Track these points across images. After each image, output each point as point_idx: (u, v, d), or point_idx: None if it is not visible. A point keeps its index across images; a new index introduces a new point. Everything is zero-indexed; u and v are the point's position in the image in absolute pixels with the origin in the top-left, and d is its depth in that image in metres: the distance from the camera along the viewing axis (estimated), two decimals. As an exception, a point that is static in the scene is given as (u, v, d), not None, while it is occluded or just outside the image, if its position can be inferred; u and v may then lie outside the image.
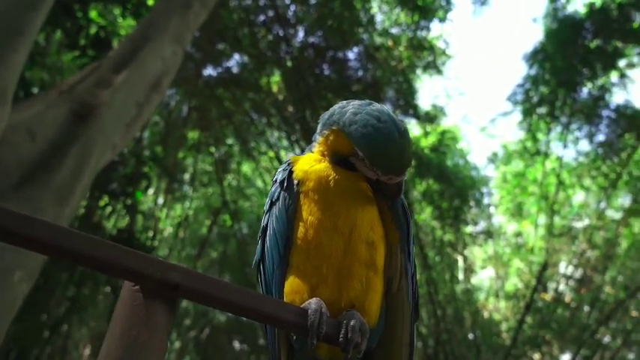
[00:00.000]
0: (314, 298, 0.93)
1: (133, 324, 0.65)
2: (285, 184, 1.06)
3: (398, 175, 1.00)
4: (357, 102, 1.06)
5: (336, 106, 1.08)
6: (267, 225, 1.09)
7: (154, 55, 4.22)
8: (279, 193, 1.07)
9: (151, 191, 10.82)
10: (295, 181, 1.05)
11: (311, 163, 1.07)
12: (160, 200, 11.33)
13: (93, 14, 7.47)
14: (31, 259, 2.80)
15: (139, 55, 4.10)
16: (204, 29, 8.57)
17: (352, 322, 0.91)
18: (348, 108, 1.04)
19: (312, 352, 1.02)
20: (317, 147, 1.11)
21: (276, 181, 1.10)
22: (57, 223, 0.65)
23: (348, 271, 0.99)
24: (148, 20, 4.71)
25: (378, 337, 1.04)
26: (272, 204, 1.09)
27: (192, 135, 11.12)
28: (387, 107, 1.03)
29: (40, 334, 8.11)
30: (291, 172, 1.07)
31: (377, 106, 1.02)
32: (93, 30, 7.16)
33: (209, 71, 10.22)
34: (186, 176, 11.94)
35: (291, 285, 1.00)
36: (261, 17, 9.65)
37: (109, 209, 8.92)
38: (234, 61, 10.25)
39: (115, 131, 3.67)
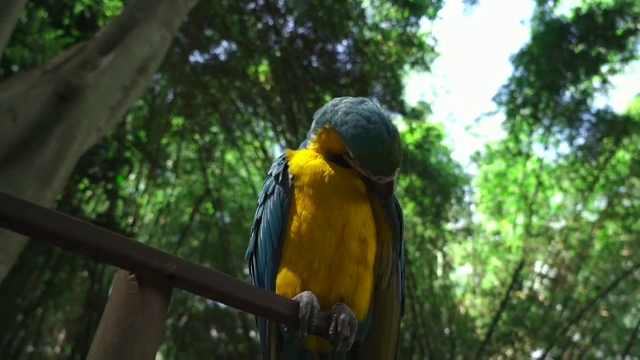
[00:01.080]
0: (305, 292, 0.95)
1: (129, 312, 0.65)
2: (280, 178, 1.07)
3: (387, 175, 1.02)
4: (349, 100, 1.07)
5: (329, 104, 1.10)
6: (261, 218, 1.10)
7: (142, 38, 4.14)
8: (274, 186, 1.08)
9: (132, 177, 10.67)
10: (290, 176, 1.06)
11: (306, 158, 1.09)
12: (142, 186, 11.19)
13: (80, -6, 7.30)
14: (10, 241, 2.75)
15: (126, 38, 4.03)
16: (192, 14, 8.45)
17: (342, 316, 0.93)
18: (340, 106, 1.05)
19: (302, 344, 1.04)
20: (311, 144, 1.12)
21: (271, 174, 1.11)
22: (51, 209, 0.65)
23: (339, 266, 1.01)
24: (136, 2, 4.61)
25: (366, 332, 1.06)
26: (266, 197, 1.10)
27: (177, 121, 11.00)
28: (378, 106, 1.04)
29: (14, 317, 7.98)
30: (286, 167, 1.08)
31: (369, 104, 1.03)
32: (78, 9, 6.99)
33: (196, 57, 10.10)
34: (169, 163, 11.81)
35: (284, 278, 1.01)
36: (251, 5, 9.56)
37: (88, 193, 8.78)
38: (222, 49, 10.14)
39: (99, 114, 3.61)
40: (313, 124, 1.13)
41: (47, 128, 3.09)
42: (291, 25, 9.68)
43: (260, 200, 1.14)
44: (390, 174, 1.01)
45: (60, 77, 3.37)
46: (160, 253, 0.69)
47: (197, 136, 11.12)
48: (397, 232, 1.11)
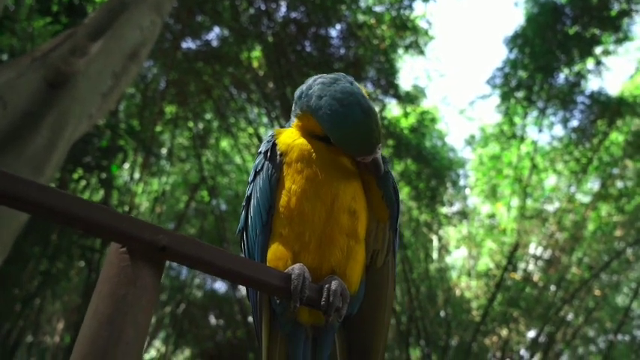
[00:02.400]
0: (297, 264, 0.96)
1: (122, 283, 0.66)
2: (268, 155, 1.08)
3: (367, 155, 1.02)
4: (322, 80, 1.06)
5: (304, 86, 1.10)
6: (251, 194, 1.12)
7: (132, 24, 4.09)
8: (263, 163, 1.09)
9: (126, 165, 10.63)
10: (279, 152, 1.07)
11: (294, 136, 1.10)
12: (137, 175, 11.15)
13: (67, -20, 7.18)
14: (4, 231, 2.74)
15: (116, 24, 3.98)
16: (184, 0, 8.34)
17: (333, 287, 0.94)
18: (314, 90, 1.05)
19: (294, 317, 1.05)
20: (294, 125, 1.13)
21: (260, 152, 1.12)
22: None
23: (329, 238, 1.02)
24: (125, -13, 4.54)
25: (358, 305, 1.08)
26: (256, 174, 1.11)
27: (170, 109, 10.91)
28: (351, 83, 1.04)
29: (12, 307, 8.00)
30: (274, 144, 1.09)
31: (341, 84, 1.03)
32: (66, -4, 6.88)
33: (188, 44, 9.98)
34: (164, 151, 11.75)
35: (275, 252, 1.02)
36: (242, -10, 9.43)
37: (83, 183, 8.74)
38: (214, 35, 10.03)
39: (91, 101, 3.58)
40: (293, 106, 1.14)
41: (38, 116, 3.06)
42: (283, 9, 9.57)
43: (250, 178, 1.15)
44: (370, 153, 1.02)
45: (49, 64, 3.34)
46: (152, 226, 0.69)
47: (191, 124, 11.06)
48: (394, 211, 1.12)
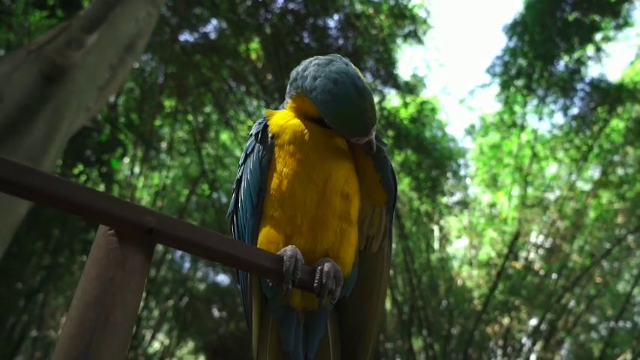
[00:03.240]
0: (289, 246, 0.95)
1: (109, 266, 0.65)
2: (259, 137, 1.07)
3: (363, 136, 1.01)
4: (318, 61, 1.05)
5: (299, 67, 1.09)
6: (241, 177, 1.10)
7: (128, 15, 4.06)
8: (254, 145, 1.08)
9: (127, 160, 10.63)
10: (270, 134, 1.06)
11: (286, 118, 1.08)
12: (137, 169, 11.14)
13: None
14: (3, 222, 2.74)
15: (111, 15, 3.95)
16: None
17: (327, 269, 0.94)
18: (309, 70, 1.04)
19: (286, 301, 1.04)
20: (288, 108, 1.11)
21: (251, 134, 1.11)
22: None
23: (322, 221, 1.01)
24: (120, -21, 4.51)
25: (351, 287, 1.07)
26: (247, 156, 1.10)
27: (169, 103, 10.88)
28: (347, 64, 1.03)
29: (16, 302, 8.04)
30: (266, 126, 1.08)
31: (336, 64, 1.01)
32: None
33: (186, 37, 9.94)
34: (164, 145, 11.74)
35: (266, 235, 1.01)
36: (239, -19, 9.37)
37: (83, 177, 8.74)
38: (212, 27, 9.98)
39: (88, 94, 3.56)
40: (288, 87, 1.12)
41: (34, 109, 3.05)
42: (280, 0, 9.51)
43: (241, 160, 1.14)
44: (365, 134, 1.01)
45: (45, 57, 3.32)
46: (139, 207, 0.69)
47: (190, 117, 11.03)
48: (391, 196, 1.11)
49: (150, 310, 12.26)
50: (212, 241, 0.75)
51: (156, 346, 13.43)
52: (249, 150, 1.10)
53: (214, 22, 9.93)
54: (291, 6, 9.42)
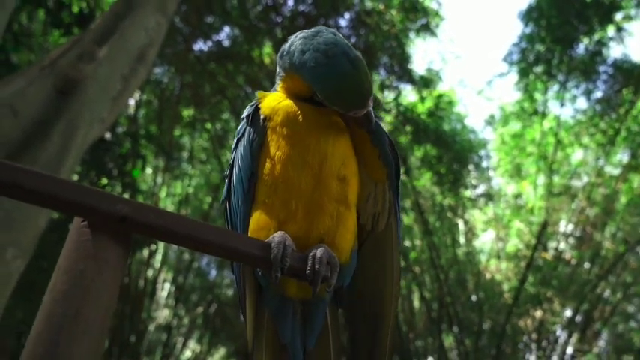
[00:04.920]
0: (278, 232, 0.91)
1: (80, 258, 0.62)
2: (250, 120, 1.03)
3: (360, 108, 0.95)
4: (304, 35, 1.00)
5: (286, 44, 1.04)
6: (233, 162, 1.07)
7: (137, 26, 4.11)
8: (245, 128, 1.04)
9: (150, 171, 10.81)
10: (262, 117, 1.02)
11: (278, 99, 1.03)
12: (160, 179, 11.31)
13: (76, -9, 7.29)
14: (23, 235, 2.79)
15: (121, 27, 4.00)
16: (191, 2, 8.38)
17: (319, 254, 0.88)
18: (296, 46, 0.98)
19: (281, 290, 1.00)
20: (279, 89, 1.07)
21: (243, 117, 1.07)
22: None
23: (317, 205, 0.96)
24: (129, -9, 4.57)
25: (350, 275, 1.02)
26: (238, 140, 1.07)
27: (187, 112, 11.02)
28: (335, 34, 0.98)
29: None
30: (257, 108, 1.04)
31: (324, 36, 0.96)
32: (76, 7, 6.99)
33: (199, 46, 10.05)
34: (185, 154, 11.90)
35: (257, 221, 0.97)
36: (248, -14, 9.43)
37: (108, 189, 8.91)
38: (225, 34, 10.07)
39: (101, 105, 3.61)
40: (277, 68, 1.08)
41: (49, 123, 3.10)
42: (290, 3, 9.54)
43: (233, 145, 1.10)
44: (362, 107, 0.95)
45: (58, 71, 3.38)
46: (111, 196, 0.66)
47: (209, 125, 11.14)
48: (392, 169, 1.06)
49: (180, 318, 12.41)
50: (192, 229, 0.71)
51: (187, 353, 13.57)
52: (240, 134, 1.06)
53: (227, 29, 10.01)
54: (301, 8, 9.43)
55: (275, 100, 1.03)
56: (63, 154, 3.09)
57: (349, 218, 0.99)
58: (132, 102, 9.84)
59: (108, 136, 7.69)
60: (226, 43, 9.97)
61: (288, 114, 0.99)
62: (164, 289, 11.64)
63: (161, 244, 10.29)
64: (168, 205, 12.02)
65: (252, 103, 1.07)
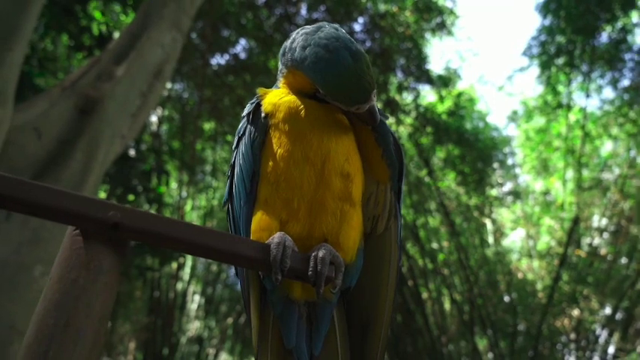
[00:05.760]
0: (278, 233, 0.88)
1: (72, 267, 0.61)
2: (251, 118, 1.02)
3: (363, 103, 0.92)
4: (306, 30, 0.98)
5: (288, 41, 1.02)
6: (234, 162, 1.05)
7: (153, 43, 4.19)
8: (246, 126, 1.02)
9: (174, 185, 10.99)
10: (263, 114, 0.99)
11: (280, 95, 1.01)
12: (184, 193, 11.47)
13: (96, 15, 7.53)
14: (50, 253, 2.85)
15: (138, 45, 4.09)
16: (206, 17, 8.53)
17: (321, 254, 0.85)
18: (297, 42, 0.97)
19: (285, 293, 0.97)
20: (281, 86, 1.05)
21: (244, 115, 1.05)
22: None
23: (320, 204, 0.93)
24: (144, 10, 4.68)
25: (356, 276, 0.98)
26: (239, 139, 1.04)
27: (209, 126, 11.17)
28: (337, 29, 0.95)
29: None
30: (258, 105, 1.02)
31: (325, 30, 0.94)
32: (96, 29, 7.21)
33: (217, 60, 10.21)
34: (208, 167, 12.05)
35: (259, 222, 0.94)
36: (262, -1, 9.55)
37: (137, 204, 9.08)
38: (241, 47, 10.20)
39: (121, 122, 3.69)
40: (279, 65, 1.07)
41: (71, 142, 3.18)
42: (304, 12, 9.60)
43: (234, 144, 1.08)
44: (365, 101, 0.92)
45: (78, 91, 3.47)
46: (102, 202, 0.65)
47: (229, 138, 11.27)
48: (395, 171, 1.02)
49: (211, 330, 12.51)
50: (187, 233, 0.70)
51: (220, 365, 13.64)
52: (241, 132, 1.04)
53: (242, 42, 10.14)
54: (314, 16, 9.47)
55: (277, 97, 1.01)
56: (86, 171, 3.16)
57: (354, 216, 0.96)
58: (154, 118, 10.06)
59: (132, 152, 7.86)
60: (243, 56, 10.10)
61: (290, 110, 0.97)
62: (194, 302, 11.75)
63: (189, 257, 10.42)
64: (194, 217, 12.17)
65: (252, 101, 1.05)
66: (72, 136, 3.21)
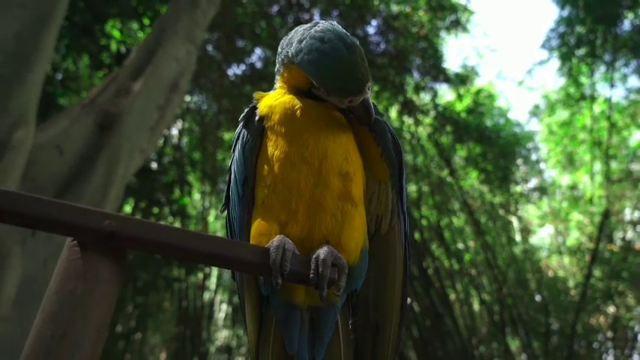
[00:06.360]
0: (277, 236, 0.86)
1: (69, 278, 0.61)
2: (245, 122, 1.01)
3: (356, 94, 0.91)
4: (302, 27, 0.99)
5: (284, 39, 1.02)
6: (230, 167, 1.05)
7: (168, 56, 4.27)
8: (240, 131, 1.02)
9: (197, 196, 11.12)
10: (257, 117, 0.99)
11: (276, 97, 1.01)
12: (207, 203, 11.59)
13: (115, 33, 7.72)
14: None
15: (153, 60, 4.17)
16: (220, 28, 8.64)
17: (322, 256, 0.83)
18: (294, 37, 0.97)
19: (288, 298, 0.95)
20: (278, 87, 1.05)
21: (239, 120, 1.05)
22: None
23: (319, 204, 0.91)
24: (158, 25, 4.78)
25: (362, 278, 0.96)
26: (235, 144, 1.05)
27: (228, 136, 11.28)
28: (333, 23, 0.95)
29: (117, 345, 8.57)
30: (253, 109, 1.02)
31: (321, 25, 0.94)
32: (115, 47, 7.39)
33: (233, 70, 10.32)
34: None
35: (258, 227, 0.93)
36: (275, 8, 9.62)
37: (161, 216, 9.23)
38: (256, 56, 10.30)
39: (140, 136, 3.76)
40: (277, 65, 1.06)
41: (92, 158, 3.26)
42: (317, 18, 9.63)
43: (232, 149, 1.08)
44: (359, 92, 0.91)
45: (98, 108, 3.55)
46: (97, 212, 0.65)
47: (249, 147, 11.33)
48: (395, 169, 1.00)
49: (239, 338, 12.57)
50: (185, 240, 0.69)
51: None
52: (236, 137, 1.04)
53: (258, 51, 10.24)
54: (328, 21, 9.51)
55: (273, 98, 1.00)
56: (107, 185, 3.23)
57: (356, 216, 0.94)
58: (175, 131, 10.23)
59: (154, 165, 8.00)
60: (259, 65, 10.19)
61: (285, 110, 0.96)
62: (221, 311, 11.84)
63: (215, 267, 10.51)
64: (217, 227, 12.28)
65: (250, 105, 1.05)
66: (93, 151, 3.29)
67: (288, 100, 0.98)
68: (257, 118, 0.99)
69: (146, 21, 7.70)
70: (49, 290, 0.64)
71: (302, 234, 0.91)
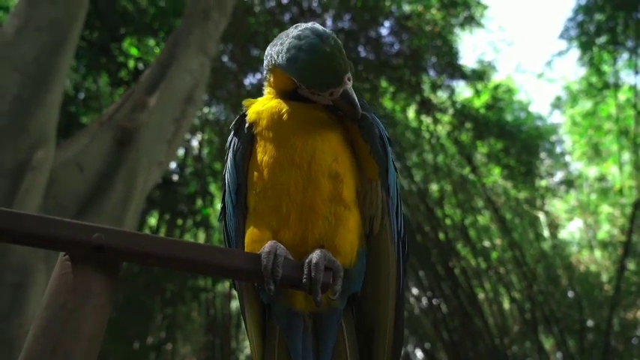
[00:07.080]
0: (269, 242, 0.85)
1: (60, 292, 0.62)
2: (235, 130, 1.02)
3: (336, 85, 0.91)
4: (285, 32, 0.99)
5: (269, 45, 1.03)
6: (224, 176, 1.05)
7: (182, 70, 4.33)
8: (231, 139, 1.03)
9: (220, 206, 11.22)
10: (247, 125, 0.99)
11: (263, 102, 1.01)
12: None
13: (132, 50, 7.90)
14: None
15: (167, 74, 4.24)
16: (234, 39, 8.74)
17: (315, 260, 0.82)
18: (276, 42, 0.98)
19: (288, 305, 0.94)
20: (266, 92, 1.05)
21: (230, 129, 1.06)
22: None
23: (310, 208, 0.90)
24: (172, 40, 4.86)
25: (360, 280, 0.94)
26: (227, 153, 1.05)
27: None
28: (312, 24, 0.95)
29: (148, 356, 8.69)
30: (243, 116, 1.02)
31: (301, 26, 0.94)
32: (132, 64, 7.55)
33: (249, 80, 10.41)
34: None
35: (251, 235, 0.92)
36: (287, 15, 9.68)
37: (185, 228, 9.36)
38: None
39: (157, 150, 3.82)
40: (264, 73, 1.07)
41: (111, 174, 3.32)
42: (329, 22, 9.65)
43: (225, 159, 1.08)
44: (337, 84, 0.90)
45: (115, 124, 3.62)
46: (86, 225, 0.65)
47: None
48: (384, 166, 0.98)
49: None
50: (176, 250, 0.69)
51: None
52: (227, 145, 1.04)
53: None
54: (340, 25, 9.50)
55: (260, 104, 1.01)
56: (126, 200, 3.29)
57: (349, 218, 0.92)
58: (195, 142, 10.37)
59: (175, 177, 8.13)
60: (275, 73, 10.26)
61: (272, 115, 0.96)
62: (249, 319, 11.87)
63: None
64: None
65: (240, 114, 1.05)
66: (112, 167, 3.35)
67: (274, 105, 0.98)
68: (246, 125, 0.99)
69: (162, 36, 7.86)
70: (41, 306, 0.64)
71: (295, 239, 0.89)
